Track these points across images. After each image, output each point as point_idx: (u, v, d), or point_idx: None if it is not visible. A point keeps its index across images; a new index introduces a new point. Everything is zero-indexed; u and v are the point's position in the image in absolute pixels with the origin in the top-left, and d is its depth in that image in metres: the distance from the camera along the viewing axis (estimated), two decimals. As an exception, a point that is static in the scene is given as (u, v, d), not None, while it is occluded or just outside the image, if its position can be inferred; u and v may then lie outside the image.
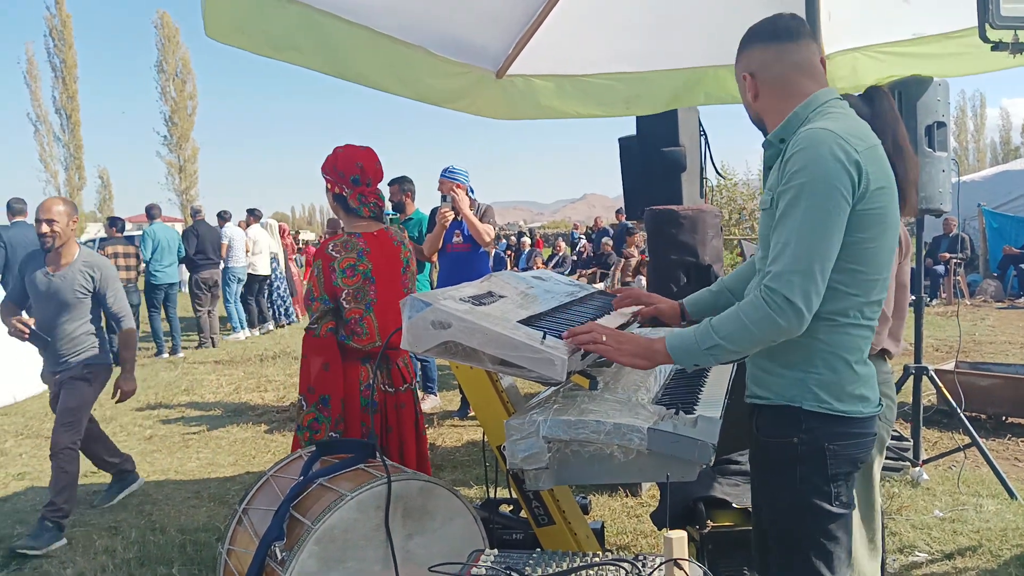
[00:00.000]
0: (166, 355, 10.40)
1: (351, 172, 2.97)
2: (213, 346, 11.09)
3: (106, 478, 5.16)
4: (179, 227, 10.77)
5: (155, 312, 10.39)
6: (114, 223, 10.32)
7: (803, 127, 1.80)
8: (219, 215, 11.94)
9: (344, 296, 2.87)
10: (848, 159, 1.69)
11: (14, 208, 8.85)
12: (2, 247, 8.36)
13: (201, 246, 10.77)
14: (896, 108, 2.42)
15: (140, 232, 11.10)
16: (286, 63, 3.25)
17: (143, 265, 10.16)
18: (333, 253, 2.88)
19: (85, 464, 5.47)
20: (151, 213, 10.64)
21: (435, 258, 6.18)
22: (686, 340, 1.79)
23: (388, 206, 7.04)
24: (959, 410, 4.52)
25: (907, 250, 2.65)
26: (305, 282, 9.17)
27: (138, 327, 9.95)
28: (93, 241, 10.44)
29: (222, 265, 11.36)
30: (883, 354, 2.68)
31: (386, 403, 2.98)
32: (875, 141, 1.81)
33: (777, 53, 1.89)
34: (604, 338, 1.86)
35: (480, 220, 5.80)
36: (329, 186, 3.03)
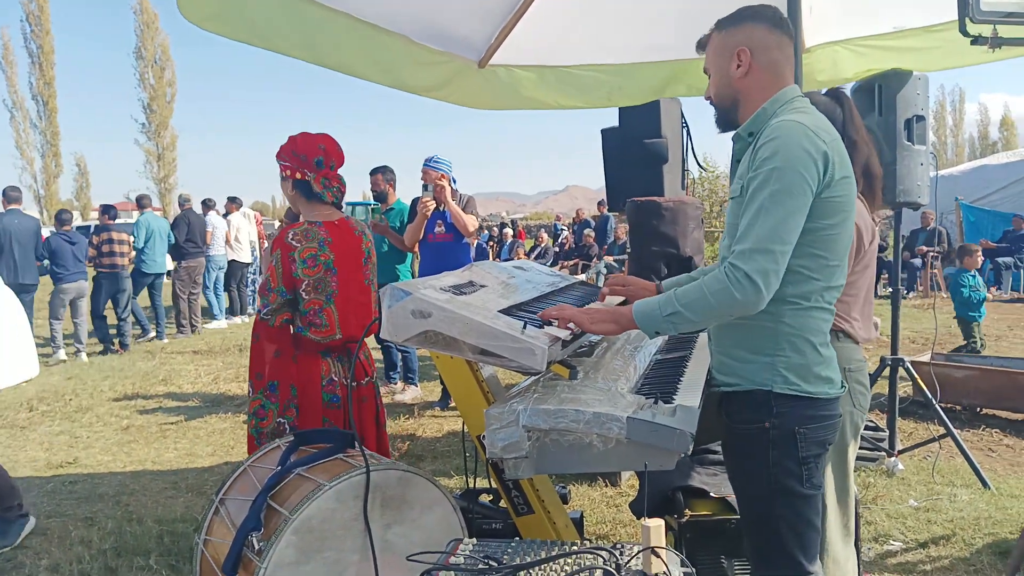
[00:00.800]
0: (152, 334, 10.47)
1: (314, 155, 2.85)
2: (192, 332, 11.07)
3: (82, 468, 5.12)
4: (157, 216, 10.73)
5: (133, 298, 10.34)
6: (107, 210, 10.29)
7: (772, 120, 1.87)
8: (203, 203, 11.95)
9: (304, 287, 2.76)
10: (816, 150, 1.78)
11: (10, 196, 8.94)
12: None
13: (191, 234, 10.84)
14: (854, 108, 2.53)
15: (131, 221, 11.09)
16: (265, 50, 3.21)
17: (134, 253, 10.16)
18: (293, 242, 2.75)
19: (61, 455, 5.43)
20: (142, 203, 10.69)
21: (417, 248, 6.15)
22: (651, 306, 1.85)
23: (370, 196, 7.01)
24: (935, 401, 4.58)
25: (872, 237, 2.70)
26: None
27: (120, 314, 9.98)
28: (88, 227, 10.47)
29: (206, 253, 11.38)
30: (855, 341, 2.70)
31: (348, 397, 2.91)
32: (837, 135, 1.89)
33: (778, 41, 1.95)
34: (576, 313, 1.94)
35: (463, 211, 5.79)
36: (287, 173, 2.88)
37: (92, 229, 10.28)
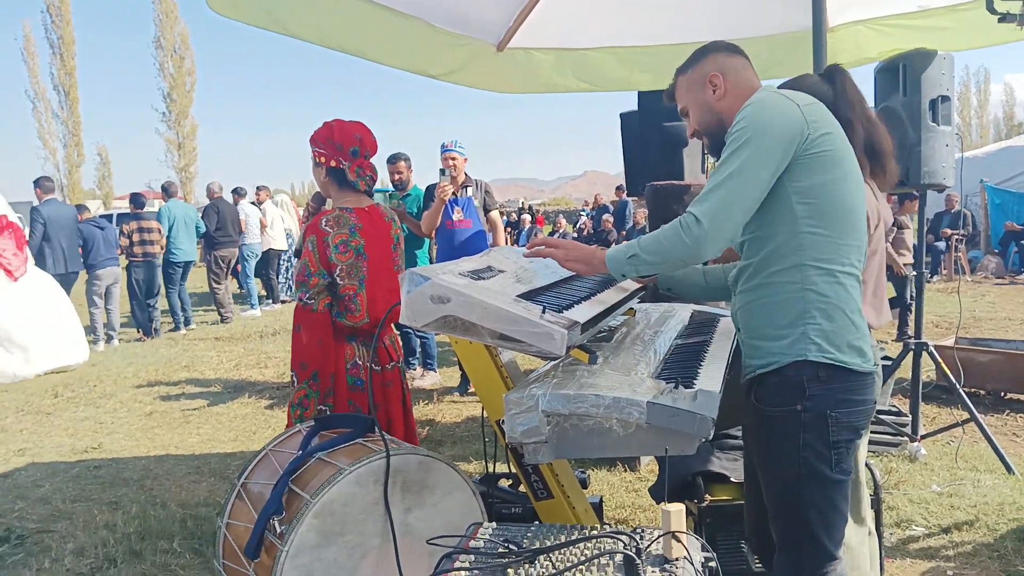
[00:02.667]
0: (183, 331, 10.57)
1: (350, 144, 2.86)
2: (226, 322, 11.19)
3: (107, 453, 5.19)
4: (182, 203, 10.82)
5: (172, 289, 10.44)
6: (135, 199, 10.35)
7: None
8: (234, 191, 11.96)
9: (338, 272, 2.79)
10: (788, 109, 1.85)
11: (45, 186, 9.04)
12: (42, 223, 8.67)
13: (222, 223, 10.87)
14: (856, 85, 2.49)
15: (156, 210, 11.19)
16: (284, 36, 3.22)
17: (164, 240, 10.21)
18: (327, 228, 2.78)
19: (86, 440, 5.51)
20: (168, 190, 10.69)
21: (434, 234, 6.16)
22: (618, 250, 1.94)
23: (387, 182, 7.02)
24: (958, 386, 4.53)
25: (878, 221, 2.66)
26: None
27: (150, 303, 10.14)
28: (110, 216, 10.63)
29: (241, 242, 11.45)
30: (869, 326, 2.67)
31: (373, 381, 2.92)
32: (818, 101, 1.95)
33: (741, 62, 2.06)
34: (555, 249, 2.05)
35: (482, 198, 5.87)
36: (322, 160, 2.89)
37: (115, 219, 10.39)
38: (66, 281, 8.69)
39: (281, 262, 12.88)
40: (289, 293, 13.23)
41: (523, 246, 2.48)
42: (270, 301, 12.75)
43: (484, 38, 4.07)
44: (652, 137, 4.73)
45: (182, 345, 9.43)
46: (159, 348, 9.24)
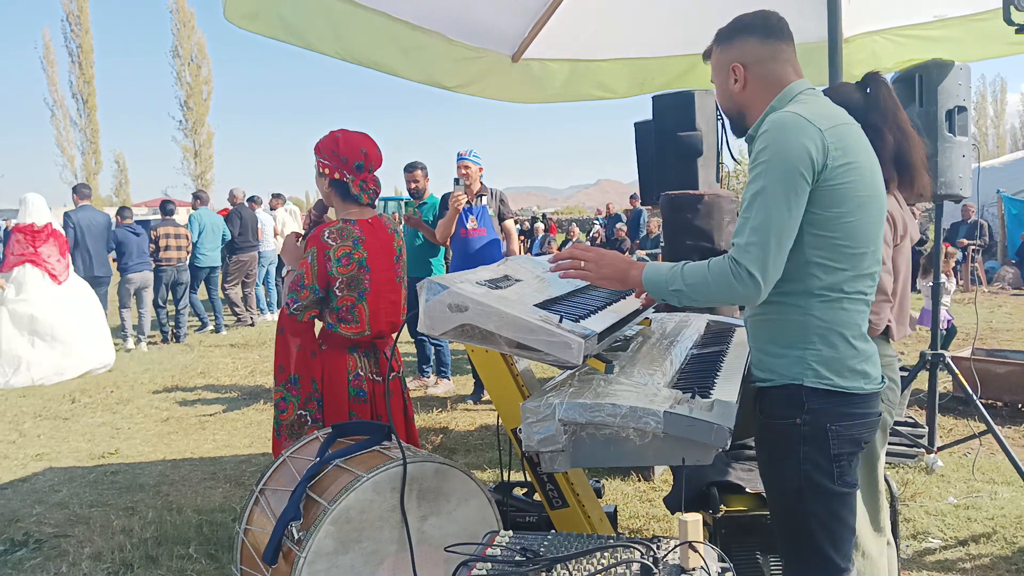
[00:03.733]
0: (210, 326, 10.95)
1: (355, 158, 2.86)
2: (242, 321, 11.50)
3: (124, 458, 5.23)
4: (211, 212, 11.18)
5: (195, 293, 10.79)
6: (164, 206, 10.73)
7: (771, 115, 1.88)
8: (250, 199, 12.23)
9: (338, 284, 2.79)
10: (808, 138, 1.77)
11: (82, 192, 9.45)
12: (72, 228, 9.00)
13: (243, 228, 11.22)
14: (893, 93, 2.46)
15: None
16: (300, 48, 3.25)
17: (191, 246, 10.54)
18: (329, 241, 2.77)
19: (103, 445, 5.56)
20: (200, 198, 11.04)
21: (448, 242, 6.19)
22: (660, 275, 1.88)
23: (402, 190, 7.07)
24: (975, 397, 4.49)
25: (904, 233, 2.64)
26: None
27: (177, 307, 10.41)
28: (141, 223, 11.06)
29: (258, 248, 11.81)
30: (886, 335, 2.66)
31: (375, 392, 2.93)
32: (844, 120, 1.88)
33: (772, 50, 1.96)
34: (583, 264, 1.97)
35: (496, 206, 5.87)
36: (326, 171, 2.89)
37: (148, 225, 10.74)
38: (94, 285, 8.96)
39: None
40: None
41: (536, 255, 2.49)
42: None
43: (500, 49, 4.10)
44: (666, 146, 4.73)
45: (198, 352, 9.50)
46: (175, 355, 9.31)
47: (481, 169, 5.95)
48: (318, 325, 2.92)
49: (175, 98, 46.08)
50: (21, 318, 7.82)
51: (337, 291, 2.79)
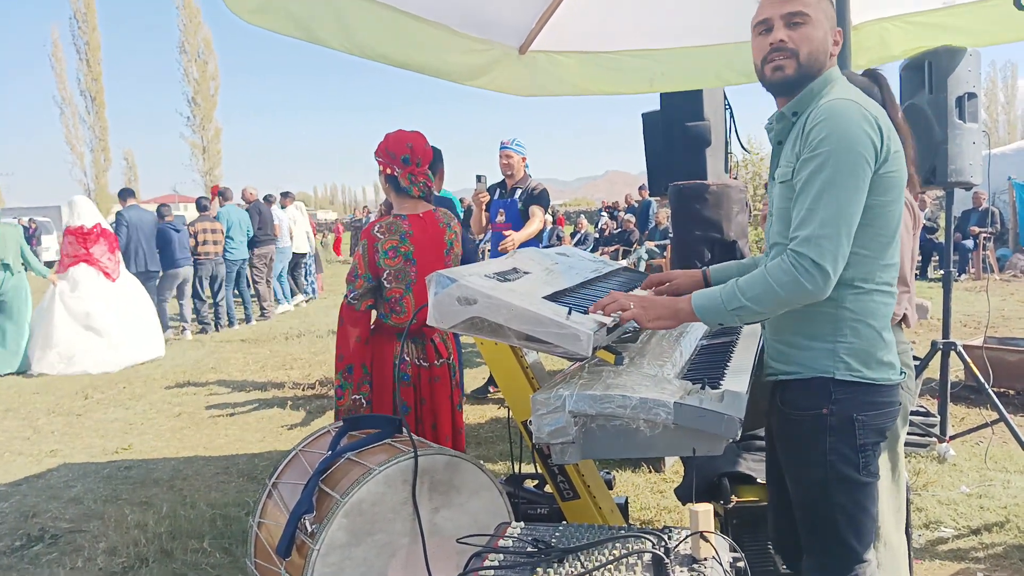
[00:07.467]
0: (240, 318, 11.48)
1: (401, 152, 3.05)
2: (266, 316, 11.91)
3: (137, 454, 5.27)
4: (237, 208, 11.58)
5: (230, 286, 11.25)
6: (199, 203, 11.16)
7: (820, 100, 1.83)
8: (265, 198, 12.69)
9: (386, 276, 2.98)
10: (871, 126, 1.75)
11: (129, 194, 10.07)
12: (125, 226, 9.52)
13: (263, 224, 11.64)
14: (891, 91, 2.49)
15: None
16: (307, 42, 3.25)
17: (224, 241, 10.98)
18: (378, 235, 2.98)
19: (116, 441, 5.60)
20: (224, 195, 11.39)
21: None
22: (713, 300, 1.82)
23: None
24: (987, 386, 4.47)
25: (919, 223, 2.66)
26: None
27: (215, 299, 11.09)
28: (181, 218, 12.00)
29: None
30: (902, 323, 2.67)
31: (420, 377, 3.06)
32: (883, 110, 1.86)
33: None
34: (632, 305, 1.87)
35: (533, 199, 5.74)
36: (382, 168, 3.12)
37: (185, 221, 11.33)
38: (146, 280, 9.43)
39: (302, 264, 13.77)
40: (311, 292, 14.22)
41: (545, 247, 2.49)
42: (300, 298, 13.62)
43: (507, 41, 4.08)
44: (675, 137, 4.72)
45: (209, 347, 9.56)
46: (187, 351, 9.37)
47: (524, 159, 5.90)
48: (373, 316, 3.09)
49: (182, 94, 46.28)
50: (77, 314, 8.26)
51: (386, 283, 2.99)
